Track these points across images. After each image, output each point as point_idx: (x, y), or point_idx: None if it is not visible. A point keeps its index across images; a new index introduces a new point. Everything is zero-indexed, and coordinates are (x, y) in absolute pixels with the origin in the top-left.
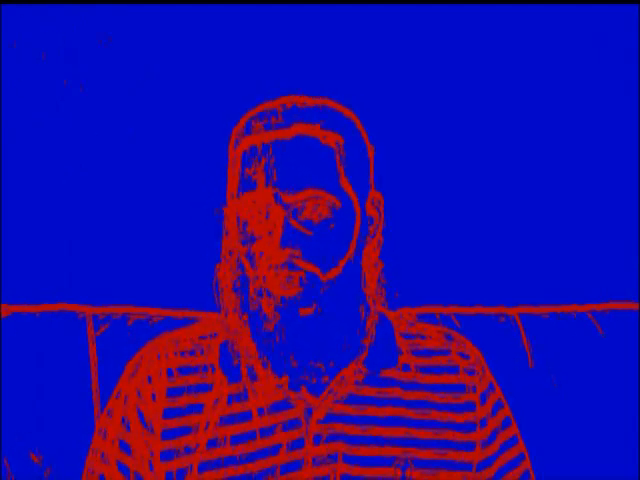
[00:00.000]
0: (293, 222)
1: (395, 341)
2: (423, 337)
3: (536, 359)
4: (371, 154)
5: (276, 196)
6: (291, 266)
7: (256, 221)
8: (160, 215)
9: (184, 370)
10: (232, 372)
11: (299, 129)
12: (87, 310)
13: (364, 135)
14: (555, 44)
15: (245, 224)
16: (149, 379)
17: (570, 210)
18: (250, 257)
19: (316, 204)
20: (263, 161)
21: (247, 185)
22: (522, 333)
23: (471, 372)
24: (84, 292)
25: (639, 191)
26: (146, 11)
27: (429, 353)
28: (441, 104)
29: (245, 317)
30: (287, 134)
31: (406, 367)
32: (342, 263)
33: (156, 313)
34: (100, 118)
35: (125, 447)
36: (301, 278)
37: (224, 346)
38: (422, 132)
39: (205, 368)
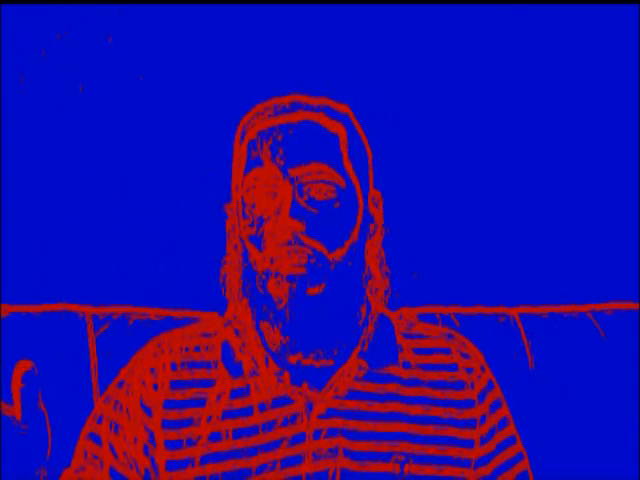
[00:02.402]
0: (299, 199)
1: (395, 338)
2: (424, 336)
3: (536, 359)
4: (370, 157)
5: (283, 169)
6: (298, 241)
7: (263, 201)
8: (160, 215)
9: (188, 364)
10: (234, 368)
11: (305, 115)
12: (87, 310)
13: (364, 139)
14: (555, 44)
15: (251, 207)
16: (152, 371)
17: (570, 210)
18: (256, 239)
19: (321, 180)
20: (270, 140)
21: (253, 163)
22: (522, 333)
23: (470, 370)
24: (84, 292)
25: (639, 191)
26: (146, 11)
27: (430, 351)
28: (443, 104)
29: (250, 309)
30: (294, 118)
31: (406, 364)
32: (347, 245)
33: (156, 313)
34: (100, 118)
35: (121, 432)
36: (308, 255)
37: (226, 343)
38: (422, 132)
39: (209, 364)
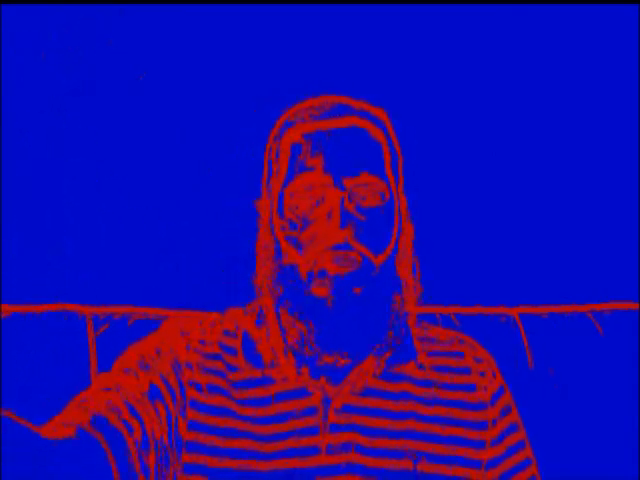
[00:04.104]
0: (348, 205)
1: (412, 340)
2: (438, 340)
3: (536, 359)
4: (401, 162)
5: (336, 179)
6: (347, 246)
7: (309, 205)
8: (160, 215)
9: (214, 344)
10: (254, 358)
11: (353, 120)
12: (87, 310)
13: (397, 144)
14: (555, 44)
15: (294, 208)
16: (183, 334)
17: (570, 210)
18: (296, 241)
19: (369, 190)
20: (319, 146)
21: (303, 168)
22: (522, 333)
23: (483, 373)
24: (84, 292)
25: (639, 191)
26: (146, 11)
27: (443, 355)
28: (444, 105)
29: (276, 305)
30: (343, 123)
31: (421, 366)
32: (388, 250)
33: (156, 313)
34: (100, 118)
35: (157, 358)
36: (355, 259)
37: (246, 333)
38: (422, 133)
39: (233, 350)
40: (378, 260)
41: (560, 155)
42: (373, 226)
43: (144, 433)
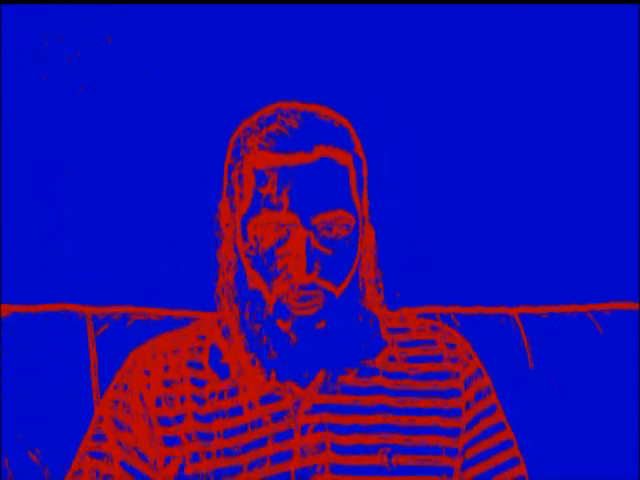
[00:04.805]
0: (314, 242)
1: (380, 332)
2: (409, 329)
3: (536, 359)
4: (366, 174)
5: (303, 219)
6: (314, 286)
7: (274, 239)
8: (160, 215)
9: (179, 366)
10: (222, 369)
11: (321, 152)
12: (87, 310)
13: (362, 155)
14: (555, 44)
15: (259, 239)
16: (147, 372)
17: (570, 210)
18: (262, 269)
19: (336, 225)
20: (289, 184)
21: (269, 204)
22: (522, 333)
23: (455, 360)
24: (84, 292)
25: (639, 191)
26: (146, 11)
27: (415, 344)
28: (442, 104)
29: (239, 317)
30: (310, 158)
31: (392, 358)
32: (350, 276)
33: (156, 313)
34: (100, 118)
35: (126, 427)
36: (320, 297)
37: (214, 345)
38: (421, 132)
39: (200, 365)
40: (339, 289)
41: (560, 155)
42: (337, 258)
43: None
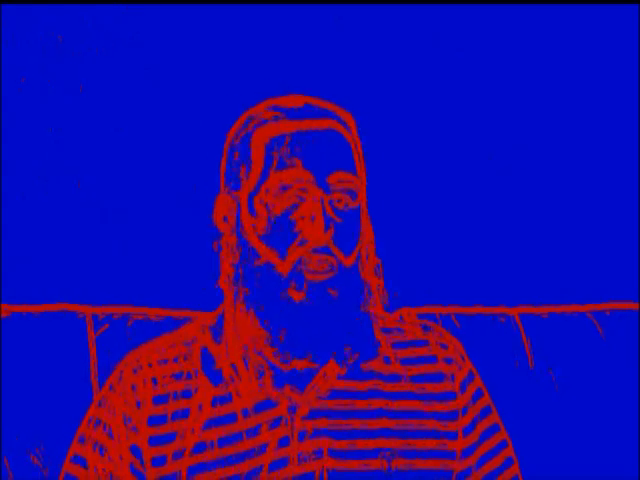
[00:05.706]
0: (327, 208)
1: (374, 334)
2: (402, 330)
3: (536, 359)
4: (363, 161)
5: (318, 177)
6: (328, 250)
7: (289, 203)
8: (160, 215)
9: (168, 377)
10: (214, 375)
11: (330, 123)
12: (87, 310)
13: (359, 144)
14: (555, 44)
15: (271, 207)
16: (134, 388)
17: (570, 210)
18: (275, 241)
19: (347, 190)
20: (300, 144)
21: (282, 165)
22: (522, 333)
23: (449, 361)
24: (84, 292)
25: (639, 191)
26: (146, 11)
27: (408, 345)
28: (442, 104)
29: (246, 308)
30: (321, 125)
31: (387, 359)
32: (355, 252)
33: (156, 313)
34: (100, 119)
35: (105, 452)
36: (333, 264)
37: (205, 350)
38: (421, 132)
39: (189, 374)
40: (347, 262)
41: (560, 155)
42: (346, 228)
43: None
